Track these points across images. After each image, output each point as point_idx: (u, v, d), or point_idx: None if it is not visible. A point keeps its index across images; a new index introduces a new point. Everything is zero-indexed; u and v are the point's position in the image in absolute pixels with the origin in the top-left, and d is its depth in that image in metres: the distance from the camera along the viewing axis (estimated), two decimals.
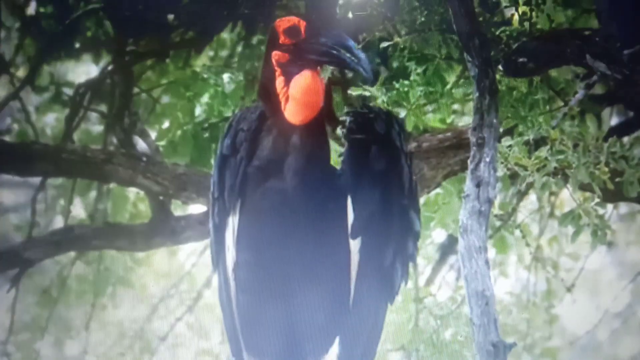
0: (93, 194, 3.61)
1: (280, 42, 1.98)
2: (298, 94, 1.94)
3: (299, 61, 1.96)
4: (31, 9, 3.30)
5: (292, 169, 1.93)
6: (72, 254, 3.56)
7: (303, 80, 1.95)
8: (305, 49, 1.97)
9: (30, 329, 3.57)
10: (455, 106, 2.99)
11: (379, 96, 2.56)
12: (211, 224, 2.05)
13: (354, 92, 2.63)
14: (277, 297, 1.96)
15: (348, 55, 1.96)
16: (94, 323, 3.70)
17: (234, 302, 2.01)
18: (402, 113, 2.65)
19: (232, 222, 1.99)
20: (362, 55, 1.92)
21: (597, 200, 2.92)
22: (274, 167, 1.94)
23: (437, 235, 3.62)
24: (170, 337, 3.77)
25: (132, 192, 3.65)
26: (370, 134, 1.98)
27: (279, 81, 1.99)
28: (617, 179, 2.80)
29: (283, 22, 1.98)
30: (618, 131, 2.85)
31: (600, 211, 2.91)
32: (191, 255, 3.94)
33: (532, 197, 3.65)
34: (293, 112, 1.94)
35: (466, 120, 3.05)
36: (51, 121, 3.61)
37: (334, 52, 1.95)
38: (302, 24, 1.97)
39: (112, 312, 3.76)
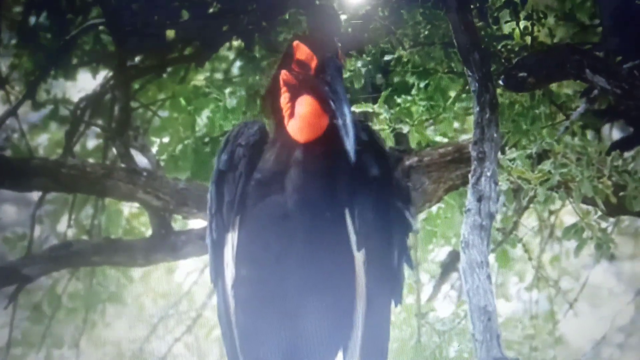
0: (89, 209, 3.60)
1: (292, 66, 1.96)
2: (302, 113, 1.92)
3: (304, 90, 1.94)
4: (29, 25, 3.30)
5: (293, 183, 1.91)
6: (65, 271, 3.54)
7: (309, 101, 1.93)
8: (310, 84, 1.94)
9: (22, 344, 3.55)
10: (457, 122, 2.99)
11: (382, 113, 2.56)
12: (209, 240, 2.02)
13: (357, 109, 2.63)
14: (277, 314, 1.94)
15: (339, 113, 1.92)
16: (90, 341, 3.67)
17: (233, 320, 1.99)
18: (405, 129, 2.65)
19: (231, 238, 1.97)
20: (350, 127, 1.88)
21: (599, 213, 2.91)
22: (275, 182, 1.92)
23: (440, 252, 3.61)
24: (169, 358, 3.75)
25: (126, 207, 3.64)
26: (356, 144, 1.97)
27: (285, 97, 1.97)
28: (621, 193, 2.79)
29: (299, 51, 1.94)
30: (619, 146, 2.84)
31: (603, 224, 2.90)
32: (191, 275, 3.93)
33: (533, 216, 3.64)
34: (296, 130, 1.93)
35: (467, 135, 3.05)
36: (44, 140, 3.61)
37: (331, 103, 1.92)
38: (314, 61, 1.94)
39: (109, 331, 3.74)
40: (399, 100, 2.73)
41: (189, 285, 3.90)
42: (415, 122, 2.65)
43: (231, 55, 3.37)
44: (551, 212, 3.74)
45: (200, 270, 3.88)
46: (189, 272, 3.90)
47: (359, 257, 1.94)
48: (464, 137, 3.06)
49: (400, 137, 2.82)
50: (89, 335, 3.65)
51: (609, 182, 2.74)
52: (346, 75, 2.75)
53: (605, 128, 3.46)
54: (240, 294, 1.97)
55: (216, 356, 3.83)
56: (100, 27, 3.28)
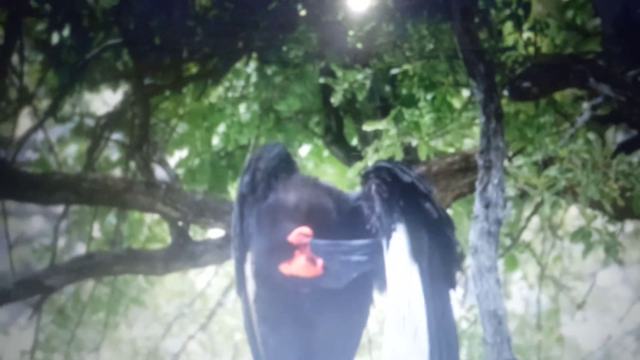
0: (112, 219, 3.69)
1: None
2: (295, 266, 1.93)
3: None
4: (53, 42, 3.39)
5: (306, 208, 1.94)
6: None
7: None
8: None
9: (44, 347, 3.62)
10: (466, 130, 3.03)
11: (390, 129, 2.61)
12: (233, 256, 2.09)
13: (368, 126, 2.68)
14: (297, 329, 2.02)
15: None
16: (108, 341, 3.73)
17: (257, 331, 2.07)
18: (414, 142, 2.71)
19: (250, 257, 2.02)
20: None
21: (606, 217, 2.95)
22: (290, 206, 1.96)
23: None
24: (183, 356, 3.82)
25: (148, 215, 3.72)
26: (420, 192, 1.96)
27: None
28: (627, 194, 2.82)
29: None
30: (623, 148, 2.87)
31: (610, 228, 2.93)
32: (205, 275, 4.00)
33: (536, 217, 3.67)
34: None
35: (474, 144, 3.11)
36: (73, 152, 3.70)
37: None
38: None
39: (126, 330, 3.81)
40: (406, 115, 2.79)
41: (203, 285, 3.98)
42: (424, 136, 2.70)
43: (248, 70, 3.45)
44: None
45: (214, 272, 3.96)
46: (201, 273, 3.98)
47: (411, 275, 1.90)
48: (470, 143, 3.12)
49: (409, 148, 2.89)
50: (109, 336, 3.72)
51: (615, 186, 2.77)
52: (345, 87, 2.82)
53: (609, 131, 3.49)
54: (260, 309, 2.05)
55: (229, 353, 3.90)
56: (121, 47, 3.37)
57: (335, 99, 2.78)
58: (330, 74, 2.84)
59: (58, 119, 3.53)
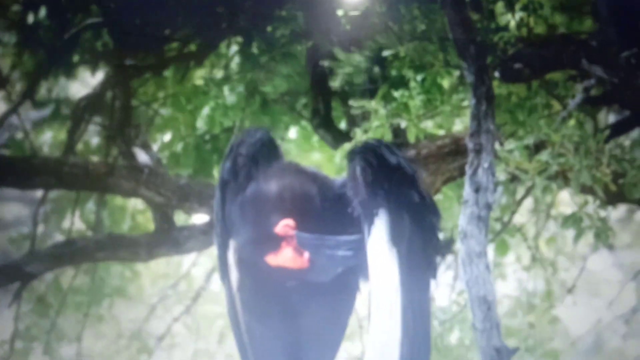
0: (92, 206, 3.63)
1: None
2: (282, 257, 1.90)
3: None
4: (29, 22, 3.31)
5: (289, 196, 1.91)
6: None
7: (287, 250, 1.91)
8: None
9: (24, 336, 3.59)
10: (456, 114, 3.00)
11: (379, 109, 2.57)
12: (216, 243, 2.06)
13: (355, 104, 2.64)
14: (283, 319, 2.00)
15: None
16: (90, 323, 3.69)
17: (241, 320, 2.05)
18: (403, 124, 2.67)
19: (232, 244, 2.00)
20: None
21: (597, 202, 2.93)
22: (274, 195, 1.92)
23: None
24: (168, 338, 3.79)
25: (130, 203, 3.67)
26: (405, 175, 1.92)
27: None
28: (620, 180, 2.81)
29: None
30: (615, 129, 2.85)
31: (602, 213, 2.92)
32: (189, 256, 3.96)
33: (529, 198, 3.66)
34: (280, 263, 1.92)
35: (464, 126, 3.07)
36: (48, 138, 3.63)
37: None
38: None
39: (109, 313, 3.78)
40: (396, 95, 2.75)
41: (188, 266, 3.95)
42: (413, 118, 2.67)
43: (230, 52, 3.39)
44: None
45: (199, 253, 3.92)
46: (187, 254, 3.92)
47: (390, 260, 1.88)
48: (460, 125, 3.09)
49: (398, 130, 2.85)
50: (91, 319, 3.68)
51: (607, 171, 2.75)
52: (347, 71, 2.77)
53: (601, 114, 3.47)
54: (244, 298, 2.02)
55: (214, 335, 3.88)
56: (100, 27, 3.29)
57: (336, 83, 2.74)
58: (323, 56, 2.79)
59: (35, 103, 3.45)
